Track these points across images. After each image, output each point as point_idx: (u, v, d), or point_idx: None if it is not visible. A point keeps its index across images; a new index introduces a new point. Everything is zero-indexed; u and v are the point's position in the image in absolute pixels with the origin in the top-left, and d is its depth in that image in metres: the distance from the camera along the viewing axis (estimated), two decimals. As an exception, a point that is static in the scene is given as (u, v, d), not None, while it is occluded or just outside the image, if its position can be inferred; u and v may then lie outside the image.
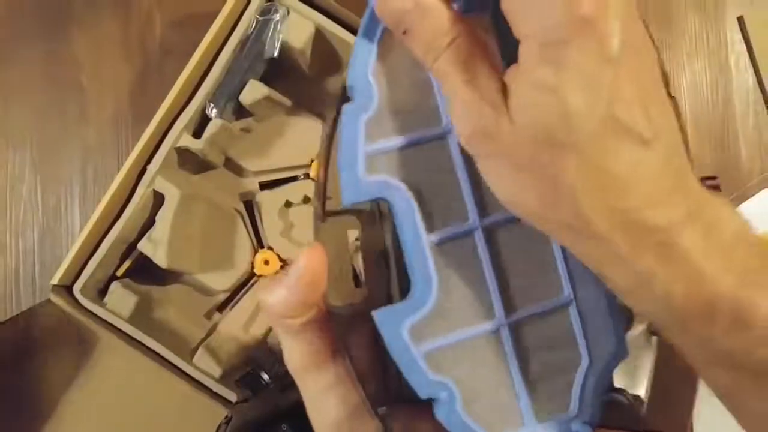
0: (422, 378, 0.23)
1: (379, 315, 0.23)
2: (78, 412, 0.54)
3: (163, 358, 0.49)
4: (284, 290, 0.24)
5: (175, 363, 0.49)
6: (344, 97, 0.23)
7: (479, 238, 0.24)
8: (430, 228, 0.23)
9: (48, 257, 0.57)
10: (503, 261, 0.24)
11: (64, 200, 0.58)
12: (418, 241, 0.23)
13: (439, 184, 0.23)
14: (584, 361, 0.25)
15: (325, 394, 0.25)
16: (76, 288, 0.49)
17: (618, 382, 0.26)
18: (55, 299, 0.48)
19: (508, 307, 0.24)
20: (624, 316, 0.25)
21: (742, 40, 0.59)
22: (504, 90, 0.21)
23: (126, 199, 0.50)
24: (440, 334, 0.23)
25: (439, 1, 0.21)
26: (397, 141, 0.23)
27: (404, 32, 0.22)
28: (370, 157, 0.23)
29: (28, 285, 0.57)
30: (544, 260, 0.24)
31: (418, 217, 0.23)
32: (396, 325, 0.23)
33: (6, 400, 0.53)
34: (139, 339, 0.49)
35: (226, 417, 0.49)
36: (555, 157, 0.20)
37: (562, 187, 0.20)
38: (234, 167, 0.55)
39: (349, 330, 0.25)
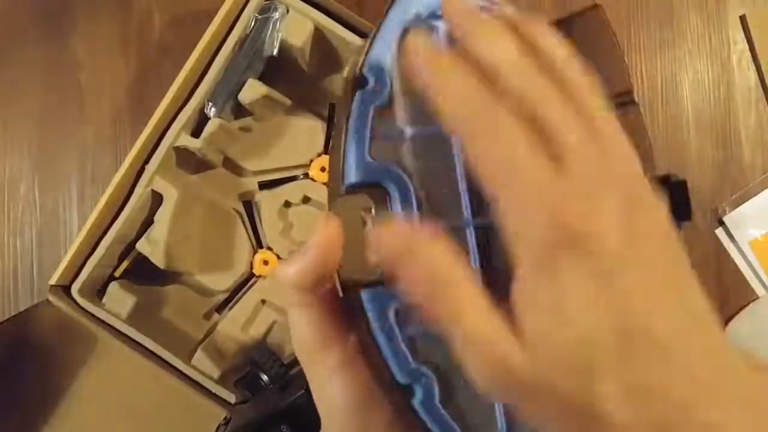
0: (404, 362, 0.23)
1: (367, 294, 0.23)
2: (76, 412, 0.53)
3: (161, 358, 0.49)
4: (301, 259, 0.23)
5: (174, 364, 0.49)
6: (354, 84, 0.24)
7: (470, 234, 0.24)
8: (425, 217, 0.24)
9: (46, 257, 0.57)
10: (492, 262, 0.24)
11: (62, 200, 0.57)
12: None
13: (438, 178, 0.24)
14: None
15: (331, 378, 0.24)
16: (74, 288, 0.49)
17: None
18: (53, 299, 0.48)
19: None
20: None
21: (744, 39, 0.59)
22: (511, 318, 0.20)
23: (124, 199, 0.50)
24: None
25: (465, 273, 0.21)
26: (403, 131, 0.24)
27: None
28: (376, 143, 0.24)
29: (26, 285, 0.57)
30: None
31: (414, 205, 0.24)
32: (383, 306, 0.23)
33: (3, 400, 0.53)
34: (137, 339, 0.49)
35: (225, 418, 0.49)
36: (585, 383, 0.19)
37: (600, 414, 0.19)
38: (233, 167, 0.54)
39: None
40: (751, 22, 0.58)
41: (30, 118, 0.58)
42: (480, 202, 0.24)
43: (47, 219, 0.57)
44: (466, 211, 0.24)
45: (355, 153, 0.24)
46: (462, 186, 0.24)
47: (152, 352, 0.49)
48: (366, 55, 0.24)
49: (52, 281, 0.48)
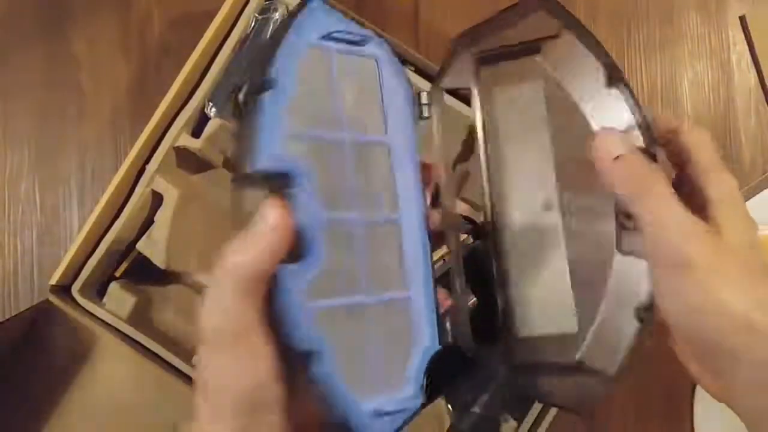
0: (304, 332, 0.26)
1: (281, 270, 0.25)
2: (76, 412, 0.53)
3: (161, 358, 0.49)
4: (252, 247, 0.25)
5: (174, 363, 0.49)
6: (263, 85, 0.27)
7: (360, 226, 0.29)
8: (323, 207, 0.27)
9: (46, 257, 0.57)
10: (373, 253, 0.29)
11: (62, 200, 0.57)
12: (315, 215, 0.27)
13: (334, 174, 0.28)
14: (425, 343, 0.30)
15: (239, 361, 0.25)
16: (75, 288, 0.49)
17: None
18: (54, 299, 0.48)
19: (373, 289, 0.29)
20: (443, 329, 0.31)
21: (744, 40, 0.59)
22: None
23: (124, 199, 0.50)
24: (326, 297, 0.27)
25: None
26: (306, 131, 0.28)
27: None
28: (284, 138, 0.27)
29: (26, 285, 0.57)
30: (392, 262, 0.30)
31: (314, 195, 0.27)
32: (295, 282, 0.26)
33: (4, 400, 0.53)
34: (137, 339, 0.49)
35: (225, 418, 0.49)
36: None
37: None
38: (233, 167, 0.54)
39: None
40: (751, 22, 0.58)
41: (30, 118, 0.58)
42: (368, 195, 0.29)
43: (47, 219, 0.57)
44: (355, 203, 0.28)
45: (268, 143, 0.26)
46: (352, 182, 0.28)
47: (152, 352, 0.49)
48: (271, 59, 0.27)
49: (52, 281, 0.48)
